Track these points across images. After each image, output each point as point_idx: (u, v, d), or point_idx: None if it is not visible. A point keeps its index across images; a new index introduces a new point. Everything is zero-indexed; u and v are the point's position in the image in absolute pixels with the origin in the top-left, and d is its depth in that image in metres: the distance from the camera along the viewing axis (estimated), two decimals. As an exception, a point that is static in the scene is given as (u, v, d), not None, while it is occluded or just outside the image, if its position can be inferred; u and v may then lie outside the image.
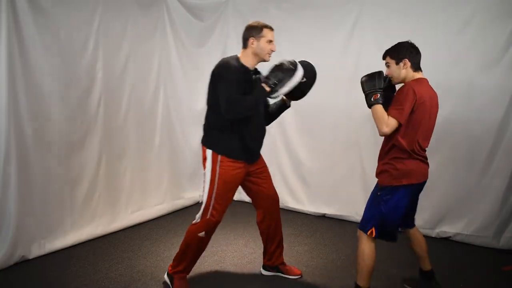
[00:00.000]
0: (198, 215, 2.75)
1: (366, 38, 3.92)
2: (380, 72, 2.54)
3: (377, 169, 2.59)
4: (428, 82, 2.53)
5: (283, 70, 2.57)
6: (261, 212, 2.97)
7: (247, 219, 4.23)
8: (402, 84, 2.52)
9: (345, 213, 4.23)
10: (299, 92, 2.77)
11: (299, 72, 2.57)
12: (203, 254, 3.43)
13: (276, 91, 2.57)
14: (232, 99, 2.52)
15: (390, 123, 2.39)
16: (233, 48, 4.71)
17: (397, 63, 2.48)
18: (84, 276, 3.08)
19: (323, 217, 4.35)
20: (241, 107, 2.55)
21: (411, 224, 2.78)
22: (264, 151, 4.65)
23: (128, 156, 4.05)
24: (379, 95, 2.46)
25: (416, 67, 2.51)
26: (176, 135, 4.53)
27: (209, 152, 2.70)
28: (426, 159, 2.57)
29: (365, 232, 2.53)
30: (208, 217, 2.71)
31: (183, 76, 4.52)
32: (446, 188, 3.68)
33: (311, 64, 2.80)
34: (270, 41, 2.67)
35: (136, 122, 4.09)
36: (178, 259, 2.85)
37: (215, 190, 2.68)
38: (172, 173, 4.50)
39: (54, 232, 3.44)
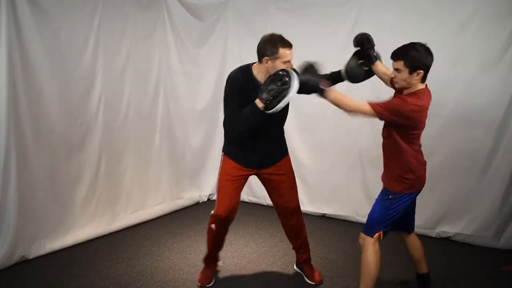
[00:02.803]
0: (214, 208, 2.82)
1: (366, 38, 3.91)
2: (296, 70, 2.52)
3: (386, 175, 2.54)
4: (427, 88, 2.42)
5: (277, 84, 2.34)
6: (279, 214, 2.97)
7: (247, 219, 4.23)
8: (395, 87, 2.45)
9: (345, 213, 4.23)
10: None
11: (295, 85, 2.32)
12: (204, 254, 3.45)
13: (271, 108, 2.36)
14: (230, 118, 2.51)
15: (364, 105, 2.30)
16: (233, 48, 4.73)
17: (411, 73, 2.27)
18: (84, 276, 3.08)
19: (323, 217, 4.35)
20: (237, 126, 2.51)
21: (411, 229, 2.73)
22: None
23: (128, 156, 4.04)
24: (325, 82, 2.41)
25: (425, 78, 2.35)
26: (176, 135, 4.52)
27: (221, 153, 2.82)
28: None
29: (371, 235, 2.47)
30: (216, 210, 2.76)
31: (183, 76, 4.52)
32: (446, 188, 3.68)
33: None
34: (287, 61, 2.45)
35: (136, 122, 4.09)
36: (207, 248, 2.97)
37: (218, 186, 2.77)
38: (172, 173, 4.50)
39: (54, 232, 3.44)
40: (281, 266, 3.27)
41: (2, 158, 3.07)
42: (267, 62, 2.46)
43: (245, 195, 4.85)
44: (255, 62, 2.58)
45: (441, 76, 3.57)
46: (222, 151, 2.81)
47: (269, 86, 2.35)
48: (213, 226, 2.80)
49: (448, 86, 3.55)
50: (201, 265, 3.26)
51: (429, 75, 3.60)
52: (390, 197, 2.47)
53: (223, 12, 4.64)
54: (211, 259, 3.00)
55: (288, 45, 2.47)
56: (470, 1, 3.44)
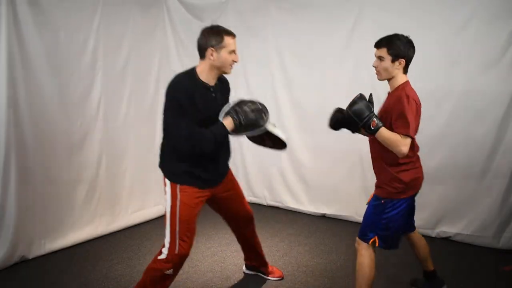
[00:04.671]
0: (165, 249, 2.40)
1: (366, 38, 3.90)
2: (360, 96, 2.35)
3: (378, 181, 2.49)
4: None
5: (256, 115, 2.28)
6: (233, 228, 2.85)
7: (247, 219, 4.22)
8: (385, 80, 2.41)
9: (345, 213, 4.23)
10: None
11: (267, 126, 2.35)
12: (204, 254, 3.44)
13: (240, 132, 2.27)
14: (188, 134, 2.21)
15: (407, 142, 2.24)
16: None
17: (393, 61, 2.31)
18: (84, 276, 3.08)
19: (323, 217, 4.35)
20: (199, 145, 2.24)
21: (412, 228, 2.72)
22: (265, 151, 4.67)
23: (128, 156, 4.05)
24: (375, 119, 2.25)
25: (407, 69, 2.38)
26: (176, 135, 4.52)
27: (168, 183, 2.42)
28: (419, 160, 2.51)
29: (367, 241, 2.42)
30: (177, 250, 2.37)
31: (183, 76, 4.51)
32: (446, 188, 3.67)
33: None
34: (233, 51, 2.31)
35: (136, 122, 4.09)
36: None
37: (178, 219, 2.36)
38: (172, 173, 4.49)
39: (54, 232, 3.45)
40: (281, 266, 3.27)
41: (2, 158, 3.07)
42: (212, 55, 2.28)
43: (245, 195, 4.83)
44: (195, 67, 2.41)
45: (441, 76, 3.57)
46: (171, 180, 2.40)
47: (248, 114, 2.27)
48: (170, 272, 2.39)
49: (448, 86, 3.55)
50: (201, 265, 3.26)
51: (429, 75, 3.61)
52: (382, 202, 2.41)
53: (223, 12, 4.63)
54: None
55: (233, 34, 2.34)
56: (470, 1, 3.44)
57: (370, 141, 2.50)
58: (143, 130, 4.18)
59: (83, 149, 3.65)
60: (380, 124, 2.26)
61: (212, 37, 2.28)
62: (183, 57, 4.51)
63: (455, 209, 3.67)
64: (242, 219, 2.79)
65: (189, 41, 4.55)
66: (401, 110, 2.25)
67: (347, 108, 2.35)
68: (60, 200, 3.50)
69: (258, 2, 4.46)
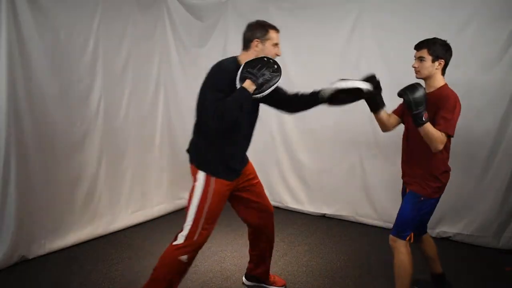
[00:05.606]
0: (183, 236, 2.40)
1: (366, 37, 3.92)
2: (422, 87, 2.32)
3: (412, 177, 2.53)
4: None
5: (270, 70, 2.30)
6: (254, 229, 2.80)
7: (247, 219, 4.22)
8: (418, 81, 2.43)
9: (345, 213, 4.23)
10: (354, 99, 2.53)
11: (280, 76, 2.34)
12: (204, 254, 3.44)
13: (261, 92, 2.29)
14: (216, 106, 2.26)
15: (444, 140, 2.32)
16: (233, 48, 4.71)
17: (433, 61, 2.41)
18: (84, 276, 3.08)
19: (323, 217, 4.35)
20: (226, 114, 2.25)
21: (426, 229, 2.79)
22: (264, 151, 4.69)
23: (128, 156, 4.05)
24: (425, 112, 2.28)
25: (445, 71, 2.48)
26: (176, 135, 4.52)
27: (201, 173, 2.45)
28: None
29: (404, 238, 2.46)
30: (195, 238, 2.40)
31: (183, 76, 4.52)
32: (446, 188, 3.65)
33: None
34: (276, 44, 2.44)
35: (136, 122, 4.09)
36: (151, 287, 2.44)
37: (206, 208, 2.41)
38: (172, 173, 4.50)
39: (54, 232, 3.45)
40: (281, 266, 3.27)
41: (2, 158, 3.07)
42: (257, 46, 2.41)
43: (245, 195, 4.84)
44: (236, 56, 2.49)
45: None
46: (206, 170, 2.44)
47: (261, 70, 2.29)
48: (184, 258, 2.38)
49: (448, 85, 3.55)
50: (201, 265, 3.26)
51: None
52: (421, 198, 2.47)
53: (223, 12, 4.64)
54: None
55: (277, 28, 2.46)
56: (470, 1, 3.44)
57: (411, 137, 2.52)
58: (143, 130, 4.18)
59: (83, 149, 3.64)
60: (427, 120, 2.29)
61: (258, 29, 2.42)
62: (183, 57, 4.51)
63: (455, 209, 3.68)
64: (266, 214, 2.76)
65: (189, 41, 4.55)
66: (448, 109, 2.33)
67: (406, 91, 2.30)
68: (60, 200, 3.50)
69: (258, 2, 4.46)
